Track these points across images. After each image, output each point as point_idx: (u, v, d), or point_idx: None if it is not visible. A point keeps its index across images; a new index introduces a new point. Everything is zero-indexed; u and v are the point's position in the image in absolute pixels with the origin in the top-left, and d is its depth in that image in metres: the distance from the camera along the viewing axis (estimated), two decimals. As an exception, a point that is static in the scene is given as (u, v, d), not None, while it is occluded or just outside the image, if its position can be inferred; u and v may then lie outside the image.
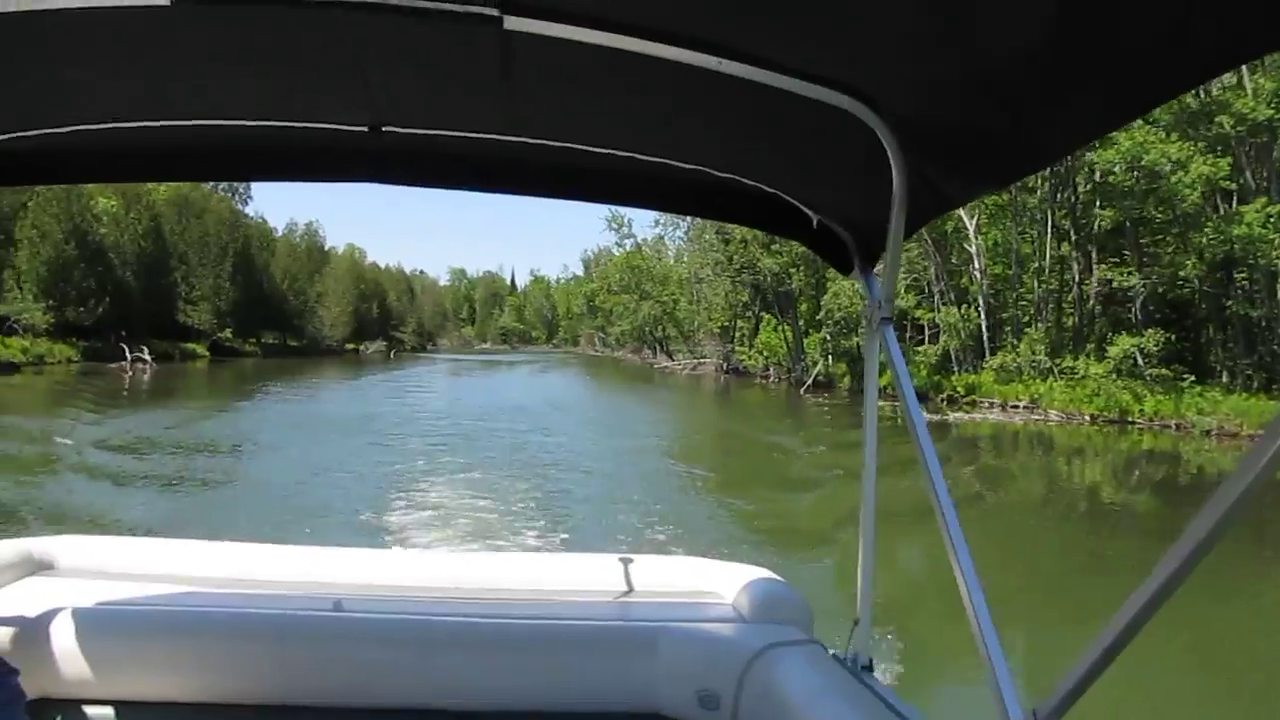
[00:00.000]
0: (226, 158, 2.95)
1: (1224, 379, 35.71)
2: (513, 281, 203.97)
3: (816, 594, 7.24)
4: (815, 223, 2.94)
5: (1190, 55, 1.47)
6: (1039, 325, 41.00)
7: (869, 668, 2.86)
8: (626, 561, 3.67)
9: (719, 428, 34.83)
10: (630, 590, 3.50)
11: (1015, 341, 40.65)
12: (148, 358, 56.54)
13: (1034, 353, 39.44)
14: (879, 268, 2.79)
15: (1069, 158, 35.67)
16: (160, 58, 2.12)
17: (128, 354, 55.72)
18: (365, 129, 2.54)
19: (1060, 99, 1.78)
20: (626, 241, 77.22)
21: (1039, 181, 40.50)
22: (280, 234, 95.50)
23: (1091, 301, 41.51)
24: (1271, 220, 30.57)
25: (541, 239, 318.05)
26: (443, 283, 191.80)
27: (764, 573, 3.55)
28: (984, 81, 1.83)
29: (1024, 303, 42.71)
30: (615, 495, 17.17)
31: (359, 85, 2.28)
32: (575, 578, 3.59)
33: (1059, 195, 41.05)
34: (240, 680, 2.87)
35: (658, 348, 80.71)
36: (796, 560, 12.72)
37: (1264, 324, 33.88)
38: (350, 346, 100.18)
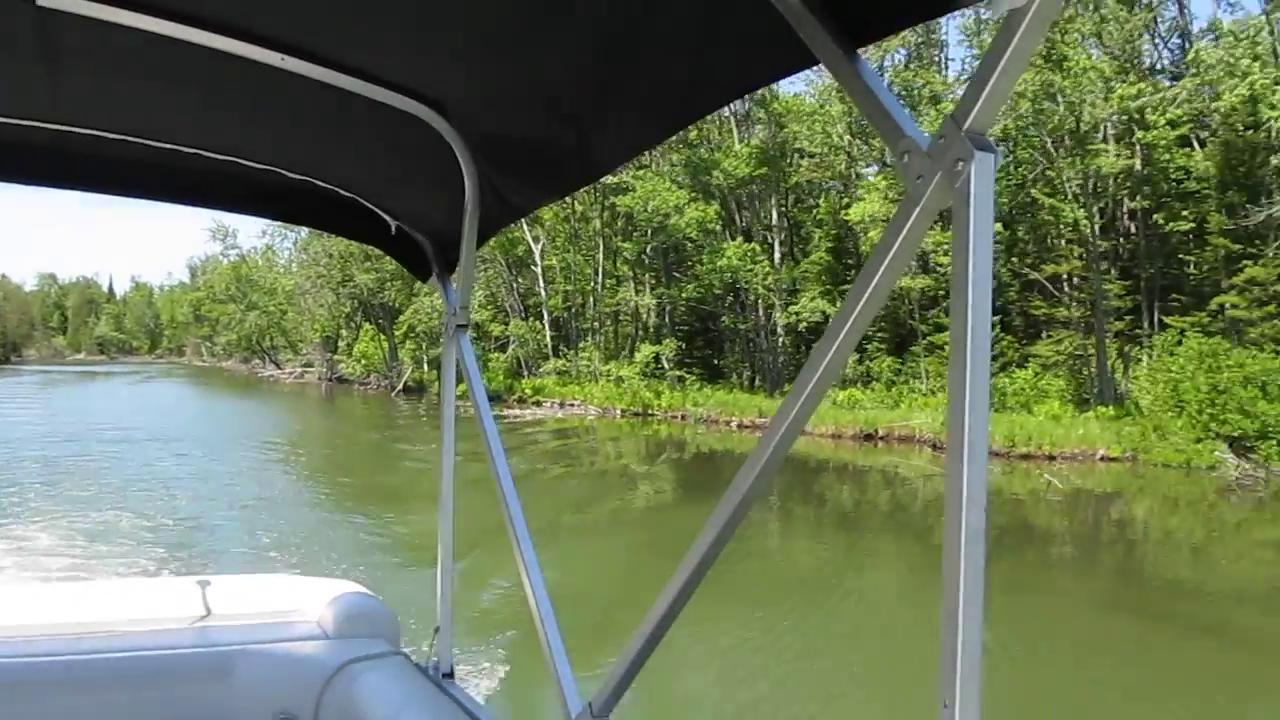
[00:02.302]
0: None
1: (733, 379, 44.75)
2: (111, 288, 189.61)
3: (414, 604, 7.93)
4: (394, 229, 2.96)
5: (711, 80, 1.69)
6: (595, 336, 48.40)
7: (450, 675, 2.89)
8: (204, 584, 3.47)
9: (315, 432, 37.86)
10: (208, 614, 3.28)
11: (573, 350, 47.74)
12: None
13: (591, 360, 46.68)
14: (456, 275, 2.87)
15: (607, 198, 43.10)
16: None
17: None
18: None
19: (611, 113, 1.94)
20: (231, 252, 77.57)
21: (599, 211, 47.78)
22: None
23: (646, 316, 49.52)
24: (749, 255, 39.50)
25: (144, 244, 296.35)
26: (29, 288, 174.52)
27: (351, 586, 3.48)
28: (546, 94, 1.97)
29: (588, 317, 50.03)
30: (210, 513, 17.18)
31: None
32: (147, 604, 3.32)
33: (613, 226, 48.80)
34: None
35: (266, 357, 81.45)
36: (396, 570, 13.25)
37: (753, 336, 43.05)
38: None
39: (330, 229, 3.29)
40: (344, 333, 65.41)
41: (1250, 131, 29.84)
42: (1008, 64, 1.11)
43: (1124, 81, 28.30)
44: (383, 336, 58.56)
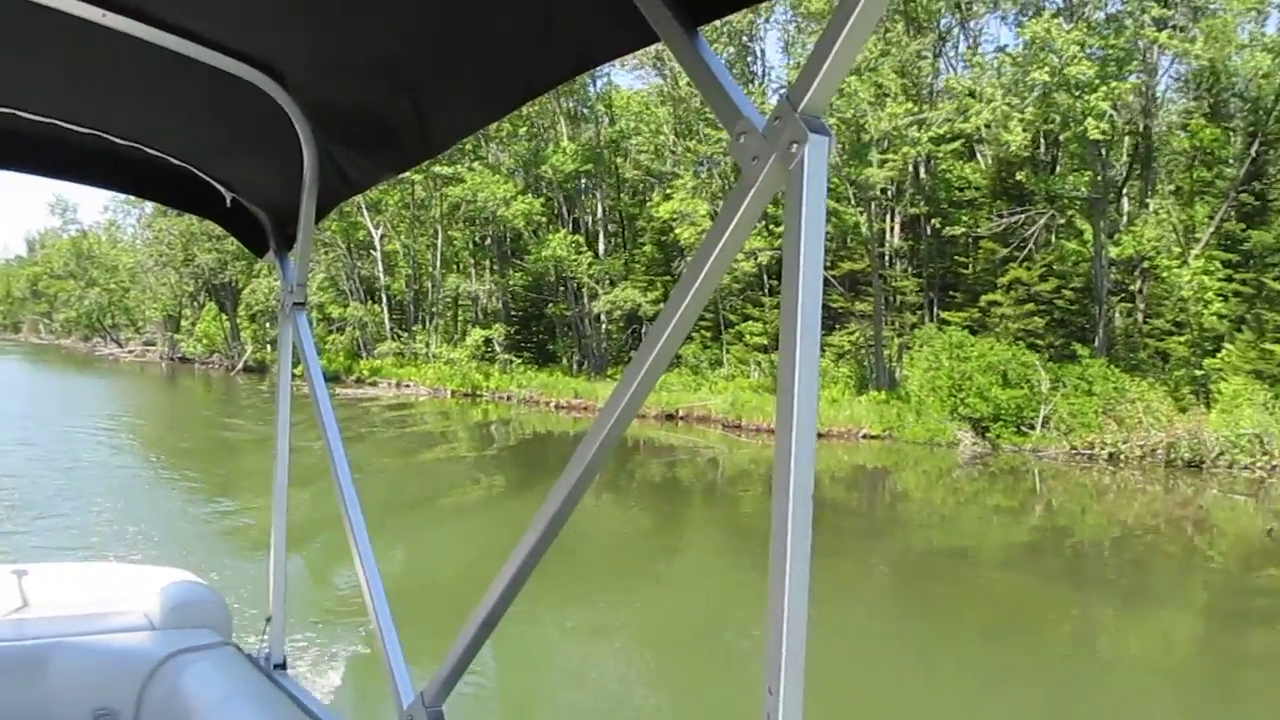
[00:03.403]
0: None
1: (563, 362, 47.02)
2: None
3: (253, 593, 7.97)
4: (229, 201, 2.89)
5: (551, 57, 1.66)
6: (434, 320, 50.00)
7: (283, 666, 2.86)
8: (21, 574, 3.24)
9: (151, 412, 38.39)
10: (24, 605, 3.06)
11: (409, 333, 49.31)
12: None
13: (428, 342, 48.29)
14: (294, 252, 2.80)
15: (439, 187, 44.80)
16: None
17: None
18: None
19: (450, 88, 1.91)
20: (71, 227, 75.96)
21: (439, 199, 49.27)
22: None
23: (488, 300, 51.24)
24: (573, 246, 41.86)
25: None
26: None
27: (182, 575, 3.36)
28: (384, 65, 1.93)
29: (428, 301, 51.55)
30: (33, 497, 16.69)
31: None
32: None
33: (453, 214, 50.41)
34: None
35: (106, 336, 79.95)
36: (231, 556, 12.98)
37: (578, 322, 45.44)
38: None
39: (161, 199, 3.22)
40: (187, 312, 65.17)
41: (1014, 148, 33.73)
42: (842, 46, 1.11)
43: (895, 101, 31.64)
44: (225, 316, 58.83)
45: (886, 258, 39.85)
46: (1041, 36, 28.89)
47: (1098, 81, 29.06)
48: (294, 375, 2.86)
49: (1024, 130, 30.33)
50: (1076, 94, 29.26)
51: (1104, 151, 35.25)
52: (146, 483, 20.15)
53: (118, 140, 2.60)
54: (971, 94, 30.39)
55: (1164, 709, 10.52)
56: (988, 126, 30.49)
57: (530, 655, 10.23)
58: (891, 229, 39.90)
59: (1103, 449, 27.51)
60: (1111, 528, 21.34)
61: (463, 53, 1.80)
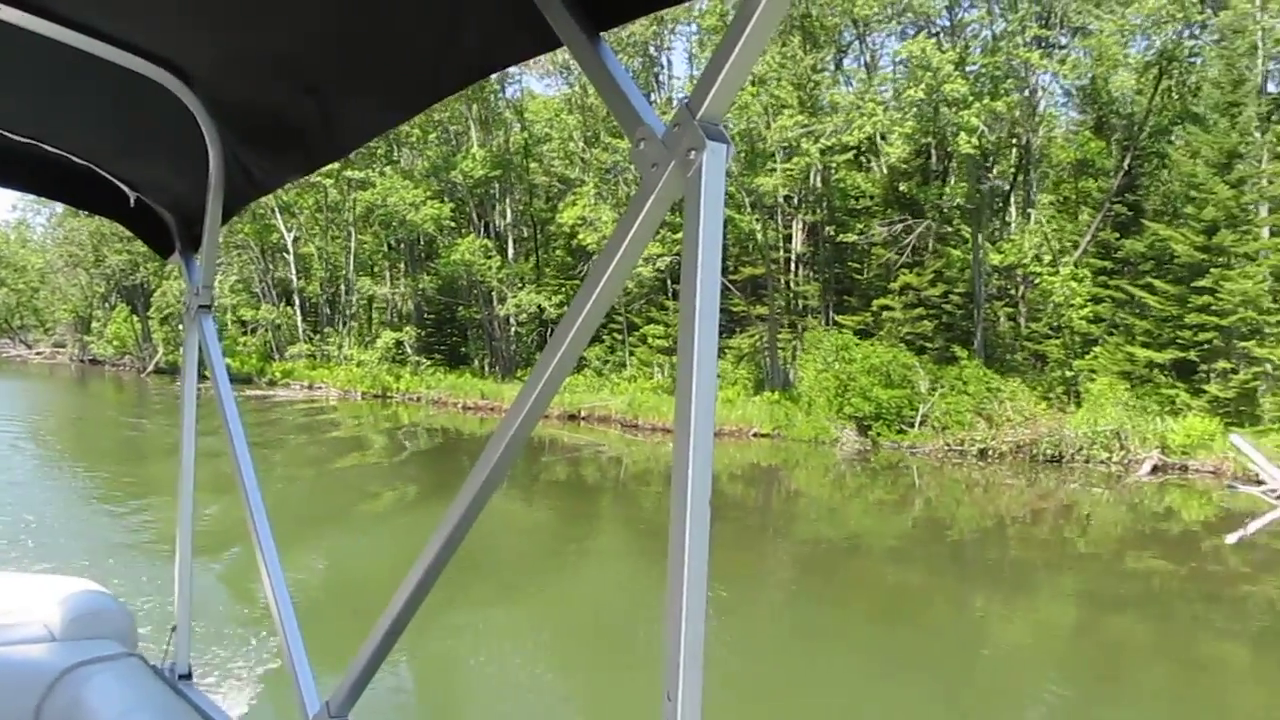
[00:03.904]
0: None
1: (475, 364, 47.66)
2: None
3: (160, 602, 8.16)
4: (133, 201, 2.82)
5: (457, 59, 1.67)
6: (348, 322, 50.32)
7: (188, 676, 2.80)
8: None
9: (58, 413, 38.18)
10: None
11: (319, 336, 49.61)
12: None
13: (341, 344, 48.61)
14: (200, 253, 2.75)
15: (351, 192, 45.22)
16: None
17: None
18: None
19: (357, 88, 1.91)
20: (-20, 226, 74.44)
21: (352, 204, 49.62)
22: None
23: (403, 303, 51.66)
24: (481, 250, 42.62)
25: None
26: None
27: (84, 584, 3.27)
28: (290, 64, 1.92)
29: (341, 304, 51.84)
30: None
31: None
32: None
33: (367, 218, 50.81)
34: None
35: (15, 337, 78.47)
36: (143, 564, 12.71)
37: (487, 325, 46.17)
38: None
39: (62, 198, 3.18)
40: (98, 313, 64.46)
41: (894, 159, 35.38)
42: (740, 54, 1.11)
43: (787, 114, 33.01)
44: (136, 318, 58.41)
45: (791, 263, 41.29)
46: (917, 56, 30.46)
47: (971, 98, 30.70)
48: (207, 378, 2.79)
49: (905, 143, 31.85)
50: (952, 110, 30.88)
51: (988, 163, 37.09)
52: (49, 488, 19.87)
53: (16, 138, 2.57)
54: (856, 108, 31.84)
55: (1043, 688, 11.07)
56: (870, 140, 31.94)
57: (439, 660, 10.21)
58: (794, 236, 41.31)
59: (972, 445, 29.14)
60: (985, 519, 22.76)
61: (368, 54, 1.81)
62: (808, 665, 11.12)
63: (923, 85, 30.46)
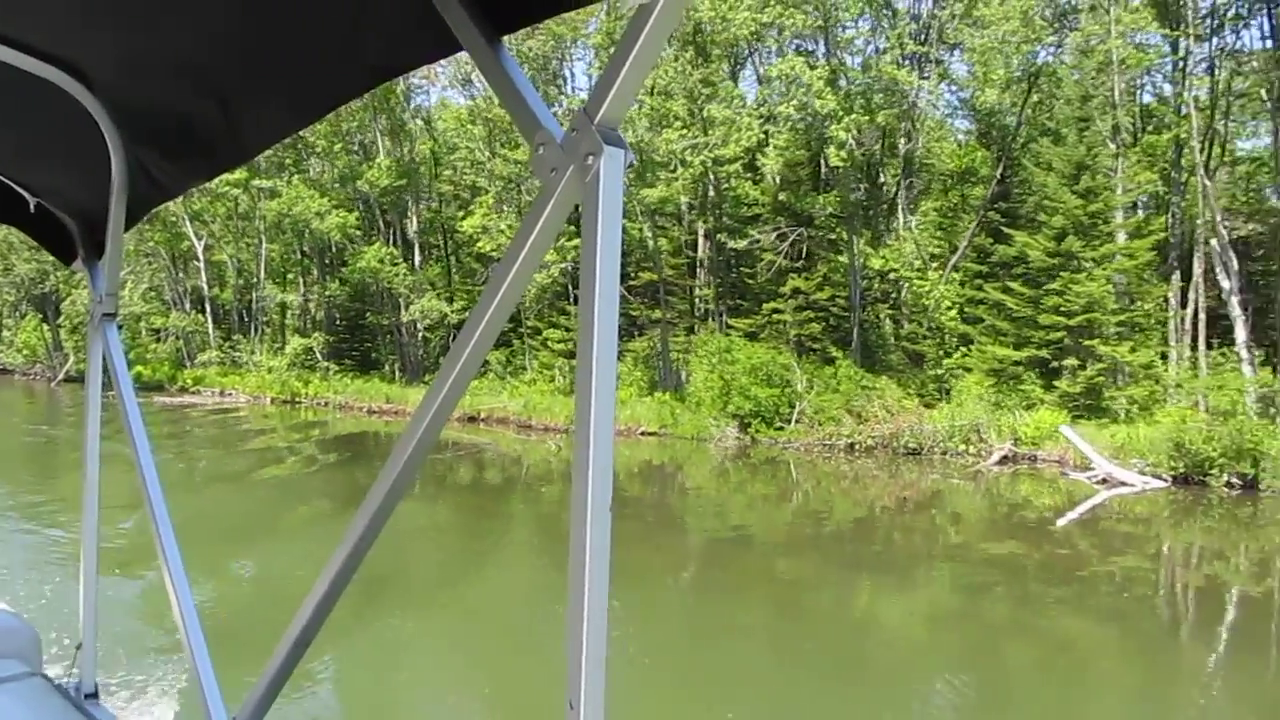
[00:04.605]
0: None
1: (384, 369, 48.57)
2: None
3: (66, 620, 7.34)
4: (33, 206, 2.78)
5: (360, 63, 1.67)
6: (259, 329, 50.95)
7: (94, 695, 2.75)
8: None
9: None
10: None
11: (231, 342, 50.22)
12: None
13: (253, 351, 49.24)
14: (104, 260, 2.70)
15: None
16: None
17: None
18: None
19: (260, 92, 1.91)
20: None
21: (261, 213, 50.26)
22: None
23: (316, 310, 52.32)
24: (387, 258, 43.73)
25: None
26: None
27: None
28: (192, 69, 1.91)
29: (253, 311, 52.44)
30: None
31: None
32: None
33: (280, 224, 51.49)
34: None
35: (-76, 347, 77.37)
36: (49, 580, 12.46)
37: (394, 331, 47.20)
38: None
39: None
40: (9, 322, 64.09)
41: (770, 171, 37.26)
42: (636, 59, 1.13)
43: (672, 127, 34.68)
44: (46, 326, 58.34)
45: (694, 269, 42.97)
46: (787, 74, 32.34)
47: (841, 113, 32.62)
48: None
49: (778, 156, 33.69)
50: (825, 124, 32.80)
51: (873, 173, 39.22)
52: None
53: None
54: (733, 123, 33.61)
55: (927, 668, 11.97)
56: (749, 152, 33.73)
57: (349, 670, 10.16)
58: (697, 243, 42.97)
59: (840, 439, 31.02)
60: (856, 509, 24.64)
61: (271, 56, 1.78)
62: (706, 656, 11.66)
63: (793, 101, 32.27)
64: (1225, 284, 28.94)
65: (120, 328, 2.71)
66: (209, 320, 50.60)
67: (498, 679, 10.64)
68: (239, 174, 43.89)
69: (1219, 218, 28.77)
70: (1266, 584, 17.90)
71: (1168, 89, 35.90)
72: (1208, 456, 24.68)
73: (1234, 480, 24.68)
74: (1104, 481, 25.51)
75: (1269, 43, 31.36)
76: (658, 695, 9.99)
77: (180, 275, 52.08)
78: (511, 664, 11.01)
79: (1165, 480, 25.26)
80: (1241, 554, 20.47)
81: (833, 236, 39.48)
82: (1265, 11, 30.07)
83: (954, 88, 42.71)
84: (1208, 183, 29.47)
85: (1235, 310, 28.53)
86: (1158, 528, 22.51)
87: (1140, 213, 35.48)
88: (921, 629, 14.12)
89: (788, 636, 12.91)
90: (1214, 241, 29.11)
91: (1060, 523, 22.38)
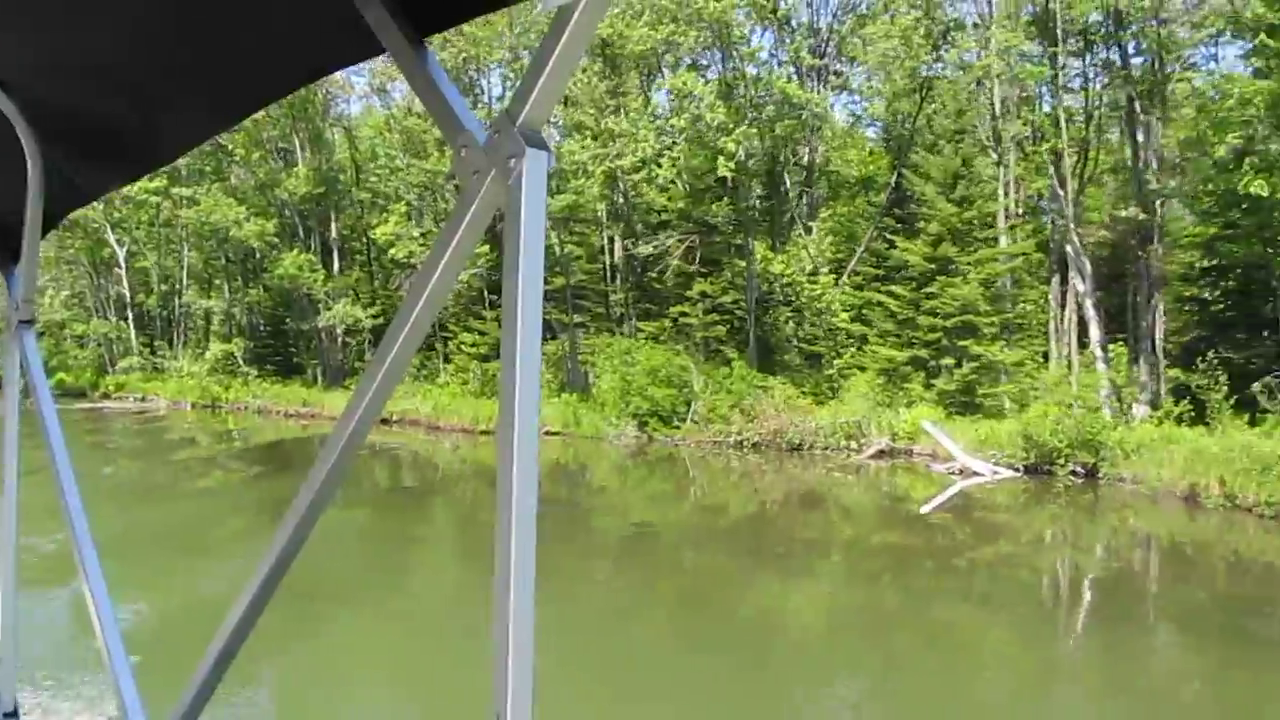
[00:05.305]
0: None
1: (307, 374, 49.46)
2: None
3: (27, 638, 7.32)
4: None
5: (280, 65, 1.66)
6: (182, 334, 51.65)
7: (14, 714, 2.72)
8: None
9: None
10: None
11: (153, 348, 50.92)
12: None
13: (176, 356, 49.92)
14: (20, 265, 2.66)
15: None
16: None
17: None
18: None
19: (178, 93, 1.87)
20: None
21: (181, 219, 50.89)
22: None
23: (241, 315, 52.97)
24: (306, 264, 44.74)
25: None
26: None
27: None
28: (109, 69, 1.86)
29: (176, 317, 53.11)
30: None
31: None
32: None
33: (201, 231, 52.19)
34: None
35: None
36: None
37: (314, 336, 48.16)
38: None
39: None
40: (-68, 329, 63.92)
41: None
42: (558, 61, 1.11)
43: (573, 138, 36.20)
44: (-31, 334, 58.39)
45: (606, 274, 44.43)
46: (679, 88, 34.01)
47: (732, 125, 34.34)
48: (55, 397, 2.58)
49: (671, 166, 35.36)
50: (716, 136, 34.50)
51: (774, 181, 41.04)
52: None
53: None
54: (631, 135, 35.19)
55: (831, 655, 13.02)
56: (645, 163, 35.31)
57: (279, 681, 10.21)
58: (615, 249, 44.44)
59: (728, 436, 32.73)
60: (748, 504, 26.46)
61: (190, 58, 1.75)
62: (618, 645, 12.29)
63: (685, 115, 33.93)
64: (1080, 287, 31.04)
65: (40, 335, 2.85)
66: (131, 327, 51.17)
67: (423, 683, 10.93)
68: (160, 181, 44.64)
69: (1073, 225, 30.84)
70: (1100, 559, 20.58)
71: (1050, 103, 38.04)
72: (1054, 447, 26.70)
73: (1077, 469, 26.75)
74: (960, 472, 27.44)
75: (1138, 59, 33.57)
76: (573, 688, 10.30)
77: (102, 282, 52.54)
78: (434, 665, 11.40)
79: (1018, 470, 27.27)
80: (1081, 535, 23.22)
81: (737, 242, 41.18)
82: (1115, 44, 32.28)
83: (857, 98, 44.73)
84: (1060, 191, 31.57)
85: (1090, 312, 30.61)
86: (1006, 513, 24.54)
87: (1021, 219, 37.55)
88: (811, 611, 15.74)
89: (694, 624, 13.79)
90: (1069, 247, 31.20)
91: (924, 509, 24.41)
